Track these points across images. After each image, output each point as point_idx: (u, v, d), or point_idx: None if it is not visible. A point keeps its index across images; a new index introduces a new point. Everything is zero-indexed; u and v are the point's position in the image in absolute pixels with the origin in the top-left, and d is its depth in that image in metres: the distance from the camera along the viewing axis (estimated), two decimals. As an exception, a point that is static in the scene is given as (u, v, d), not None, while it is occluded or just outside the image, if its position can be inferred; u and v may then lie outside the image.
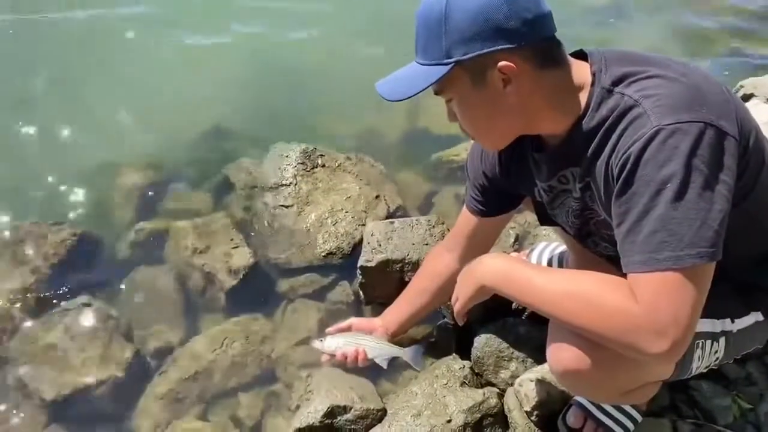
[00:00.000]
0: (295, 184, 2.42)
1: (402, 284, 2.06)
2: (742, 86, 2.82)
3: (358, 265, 2.10)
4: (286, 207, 2.37)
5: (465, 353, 1.95)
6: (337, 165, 2.50)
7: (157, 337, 2.11)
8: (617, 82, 1.22)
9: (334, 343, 1.87)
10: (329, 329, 1.93)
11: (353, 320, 1.94)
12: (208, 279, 2.22)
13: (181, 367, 2.03)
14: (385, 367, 1.87)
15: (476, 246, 1.70)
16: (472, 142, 1.66)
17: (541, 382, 1.73)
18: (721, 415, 1.70)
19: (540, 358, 1.85)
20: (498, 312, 1.95)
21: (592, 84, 1.25)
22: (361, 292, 2.15)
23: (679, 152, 1.11)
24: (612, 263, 1.33)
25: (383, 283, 2.10)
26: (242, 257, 2.25)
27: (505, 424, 1.80)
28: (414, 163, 2.68)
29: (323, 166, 2.48)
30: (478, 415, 1.77)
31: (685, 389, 1.76)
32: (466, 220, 1.76)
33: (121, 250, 2.34)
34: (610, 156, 1.22)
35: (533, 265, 1.49)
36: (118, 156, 2.65)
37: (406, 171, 2.64)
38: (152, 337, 2.11)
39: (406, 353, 1.89)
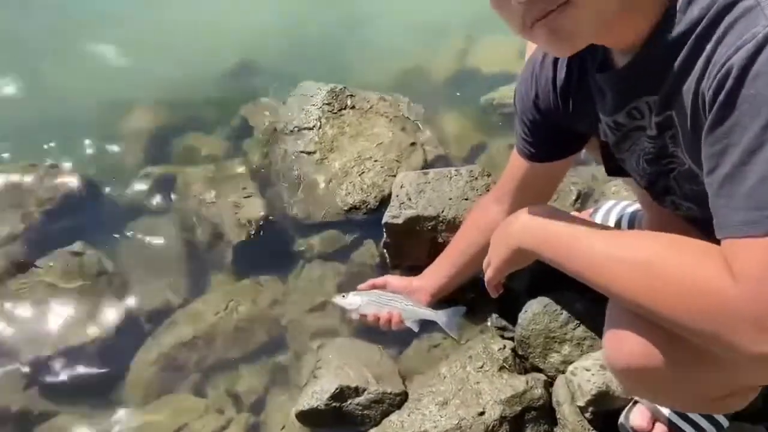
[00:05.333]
0: (319, 128, 2.10)
1: (434, 246, 1.75)
2: None
3: (383, 221, 1.77)
4: (308, 154, 2.06)
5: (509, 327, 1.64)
6: (368, 107, 2.17)
7: (154, 296, 1.85)
8: None
9: (357, 300, 1.62)
10: (361, 285, 1.67)
11: (389, 278, 1.68)
12: (215, 232, 1.95)
13: (178, 331, 1.78)
14: (416, 329, 1.61)
15: (528, 199, 1.33)
16: (520, 75, 1.31)
17: (600, 372, 1.40)
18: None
19: (601, 340, 1.50)
20: (549, 281, 1.60)
21: None
22: (386, 254, 1.83)
23: None
24: (701, 229, 0.96)
25: (412, 245, 1.78)
26: (254, 209, 1.96)
27: (551, 420, 1.48)
28: (460, 106, 2.31)
29: (353, 107, 2.15)
30: (519, 408, 1.45)
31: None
32: (515, 165, 1.41)
33: (124, 197, 2.08)
34: (702, 75, 0.85)
35: (589, 222, 1.14)
36: (127, 94, 2.37)
37: (450, 115, 2.27)
38: (148, 296, 1.85)
39: (440, 317, 1.60)
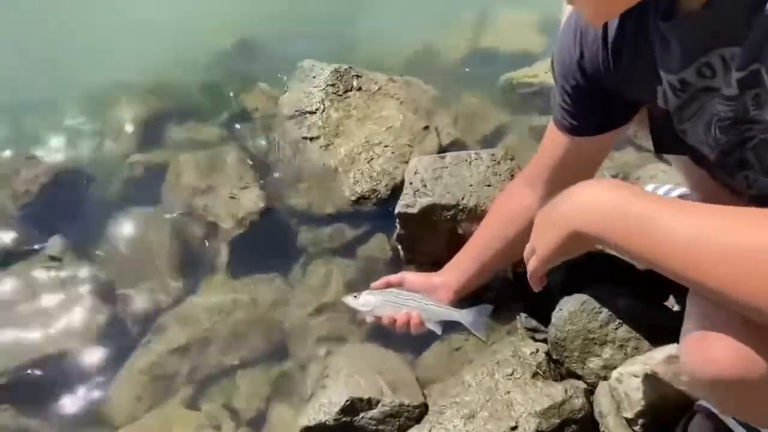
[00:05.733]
0: (323, 111, 1.91)
1: (454, 239, 1.56)
2: None
3: (396, 211, 1.59)
4: (311, 139, 1.87)
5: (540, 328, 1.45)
6: (377, 88, 1.98)
7: (142, 299, 1.66)
8: None
9: (372, 300, 1.41)
10: (375, 283, 1.46)
11: (405, 275, 1.47)
12: (210, 227, 1.76)
13: (170, 338, 1.59)
14: (438, 332, 1.41)
15: (567, 181, 1.14)
16: (560, 33, 1.12)
17: (650, 378, 1.21)
18: None
19: (648, 342, 1.32)
20: (586, 275, 1.42)
21: None
22: (400, 248, 1.64)
23: None
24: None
25: (429, 237, 1.59)
26: (251, 201, 1.77)
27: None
28: (477, 88, 2.11)
29: (359, 89, 1.96)
30: (557, 421, 1.26)
31: None
32: (552, 142, 1.22)
33: (109, 189, 1.89)
34: None
35: (664, 198, 0.94)
36: (116, 80, 2.17)
37: (467, 97, 2.07)
38: (136, 298, 1.66)
39: (465, 316, 1.40)
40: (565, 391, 1.29)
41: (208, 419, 1.47)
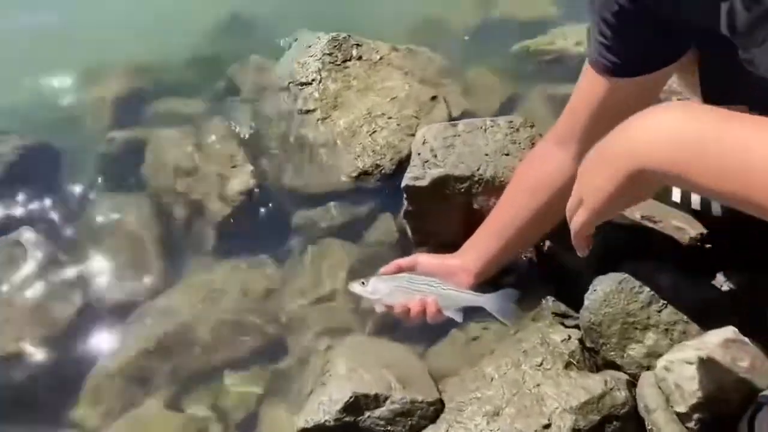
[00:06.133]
0: (320, 82, 1.73)
1: (469, 215, 1.38)
2: None
3: (403, 185, 1.41)
4: (306, 112, 1.70)
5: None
6: (378, 58, 1.80)
7: (117, 288, 1.49)
8: None
9: (382, 287, 1.23)
10: (384, 268, 1.28)
11: (419, 257, 1.29)
12: (195, 208, 1.58)
13: (148, 332, 1.41)
14: (459, 320, 1.23)
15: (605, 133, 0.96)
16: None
17: (706, 365, 1.03)
18: None
19: (697, 326, 1.14)
20: (621, 249, 1.24)
21: None
22: (408, 229, 1.46)
23: None
24: None
25: (441, 214, 1.41)
26: (242, 180, 1.59)
27: (640, 430, 1.10)
28: (489, 57, 1.92)
29: (359, 58, 1.79)
30: (596, 418, 1.08)
31: None
32: (588, 88, 1.04)
33: (84, 168, 1.71)
34: None
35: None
36: (99, 55, 2.00)
37: (478, 66, 1.89)
38: (110, 288, 1.48)
39: (489, 302, 1.22)
40: (605, 382, 1.10)
41: (192, 422, 1.29)
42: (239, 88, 1.86)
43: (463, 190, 1.38)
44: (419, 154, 1.43)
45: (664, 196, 1.36)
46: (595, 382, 1.10)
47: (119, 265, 1.53)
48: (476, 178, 1.38)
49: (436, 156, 1.41)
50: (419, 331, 1.31)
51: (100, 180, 1.70)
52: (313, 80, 1.75)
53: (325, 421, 1.13)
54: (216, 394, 1.33)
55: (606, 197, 0.76)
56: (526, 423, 1.07)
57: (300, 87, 1.75)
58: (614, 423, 1.08)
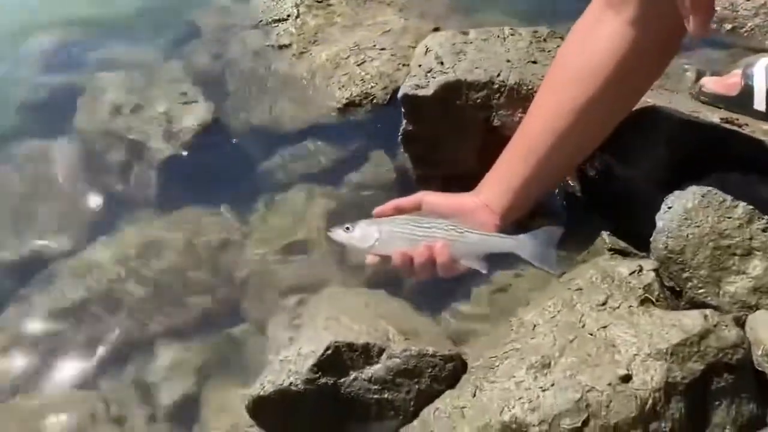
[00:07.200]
0: (296, 17, 1.44)
1: (489, 137, 1.06)
2: None
3: (401, 94, 1.08)
4: (280, 48, 1.39)
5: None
6: (368, -6, 1.52)
7: (34, 241, 1.14)
8: None
9: (373, 232, 0.87)
10: (379, 208, 0.92)
11: (425, 195, 0.93)
12: (133, 148, 1.24)
13: (60, 293, 1.05)
14: (484, 270, 0.87)
15: None
16: None
17: None
18: None
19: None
20: (698, 163, 0.90)
21: None
22: (407, 157, 1.12)
23: None
24: None
25: (451, 136, 1.08)
26: (195, 115, 1.27)
27: (760, 390, 0.74)
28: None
29: (344, -6, 1.50)
30: (699, 367, 0.72)
31: None
32: None
33: (6, 114, 1.39)
34: None
35: None
36: (34, 14, 1.71)
37: (488, 7, 1.60)
38: (25, 242, 1.13)
39: (521, 244, 0.87)
40: (706, 318, 0.75)
41: (108, 402, 0.91)
42: (200, 29, 1.55)
43: (479, 100, 1.06)
44: (421, 65, 1.12)
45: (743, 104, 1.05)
46: (691, 319, 0.75)
47: (37, 218, 1.18)
48: (496, 85, 1.05)
49: (442, 63, 1.09)
50: (428, 286, 0.96)
51: (23, 126, 1.37)
52: (288, 15, 1.46)
53: (291, 383, 0.77)
54: (143, 368, 0.96)
55: None
56: (594, 375, 0.72)
57: (273, 24, 1.45)
58: (724, 375, 0.72)
